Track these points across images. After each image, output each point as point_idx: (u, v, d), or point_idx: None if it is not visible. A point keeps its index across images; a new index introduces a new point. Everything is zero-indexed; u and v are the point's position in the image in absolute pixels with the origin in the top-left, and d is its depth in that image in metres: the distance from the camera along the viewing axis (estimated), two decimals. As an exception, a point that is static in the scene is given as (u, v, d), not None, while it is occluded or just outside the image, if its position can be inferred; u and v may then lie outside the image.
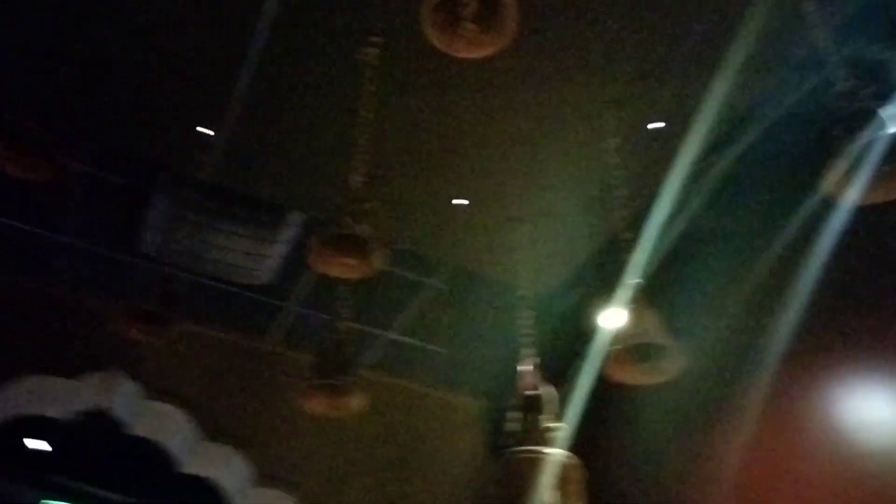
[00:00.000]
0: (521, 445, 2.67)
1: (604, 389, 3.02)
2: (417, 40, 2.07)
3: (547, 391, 2.77)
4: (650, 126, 3.13)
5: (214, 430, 4.03)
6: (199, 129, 3.51)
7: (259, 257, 4.11)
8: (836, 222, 2.62)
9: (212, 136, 3.52)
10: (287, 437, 4.09)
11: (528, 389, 2.85)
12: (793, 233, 2.93)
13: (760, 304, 3.11)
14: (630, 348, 2.45)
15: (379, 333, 4.79)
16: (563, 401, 3.01)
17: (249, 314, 4.76)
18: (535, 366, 2.91)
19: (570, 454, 2.66)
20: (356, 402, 2.66)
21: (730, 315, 3.23)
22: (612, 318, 2.77)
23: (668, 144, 3.04)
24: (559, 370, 3.16)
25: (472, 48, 1.95)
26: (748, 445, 3.08)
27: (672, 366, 2.39)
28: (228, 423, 4.08)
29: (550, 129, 3.35)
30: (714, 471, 3.22)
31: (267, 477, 3.99)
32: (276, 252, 4.23)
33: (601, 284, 3.08)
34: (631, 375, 2.47)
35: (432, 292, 4.59)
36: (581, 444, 2.83)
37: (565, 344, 3.59)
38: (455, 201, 3.72)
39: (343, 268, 2.31)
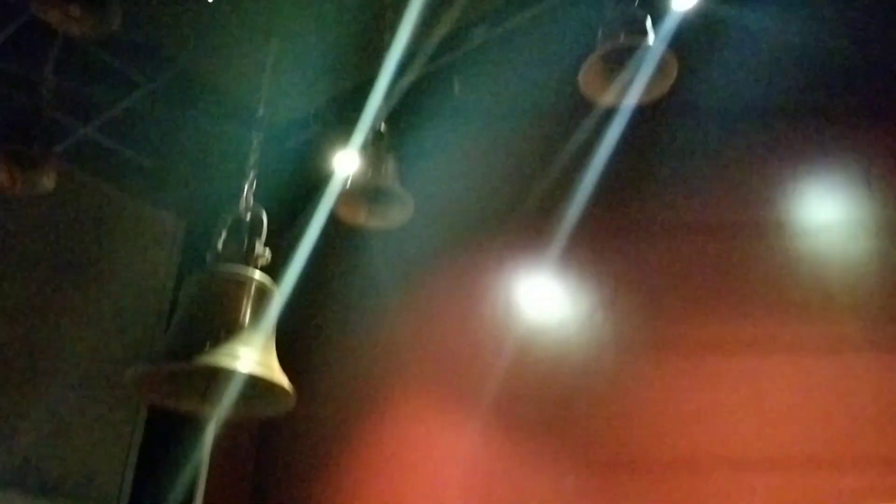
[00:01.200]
0: (225, 264, 2.59)
1: (331, 231, 3.03)
2: None
3: (259, 215, 2.71)
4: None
5: None
6: None
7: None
8: (591, 120, 2.88)
9: None
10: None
11: (244, 210, 2.77)
12: (544, 118, 3.15)
13: (490, 174, 3.33)
14: (361, 189, 2.46)
15: (74, 124, 4.24)
16: (282, 234, 2.98)
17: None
18: (254, 189, 2.82)
19: (270, 279, 2.63)
20: (47, 181, 2.31)
21: (463, 175, 3.43)
22: (348, 160, 2.76)
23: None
24: (281, 203, 3.10)
25: None
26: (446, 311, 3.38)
27: (401, 213, 2.46)
28: None
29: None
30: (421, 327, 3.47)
31: None
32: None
33: (341, 125, 3.03)
34: (360, 217, 2.48)
35: (149, 94, 4.15)
36: (302, 281, 2.85)
37: (293, 178, 3.53)
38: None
39: (65, 17, 1.93)
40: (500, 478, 2.97)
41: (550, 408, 2.95)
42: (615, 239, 3.06)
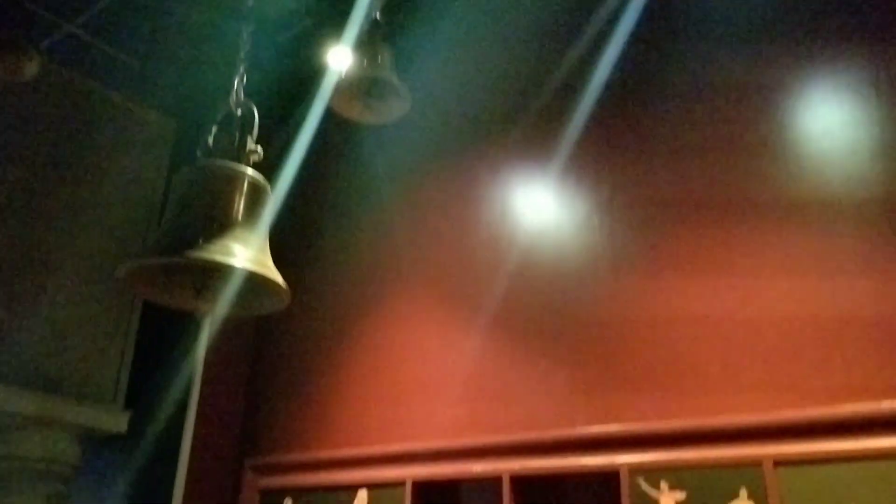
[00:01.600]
0: (217, 160, 2.53)
1: (325, 129, 2.95)
2: None
3: (250, 110, 2.64)
4: None
5: None
6: None
7: None
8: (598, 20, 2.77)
9: None
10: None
11: (234, 106, 2.70)
12: (549, 14, 3.02)
13: (489, 73, 3.22)
14: (357, 82, 2.38)
15: (59, 21, 4.08)
16: (275, 131, 2.91)
17: None
18: (244, 84, 2.73)
19: (263, 177, 2.58)
20: (30, 68, 2.22)
21: (462, 73, 3.32)
22: (342, 53, 2.66)
23: None
24: (273, 99, 3.03)
25: None
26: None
27: (397, 107, 2.39)
28: None
29: None
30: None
31: None
32: None
33: (335, 17, 2.91)
34: (355, 111, 2.41)
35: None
36: (295, 180, 2.80)
37: (285, 73, 3.43)
38: None
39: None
40: (493, 376, 3.01)
41: (545, 310, 2.96)
42: (614, 145, 3.01)
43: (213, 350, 3.70)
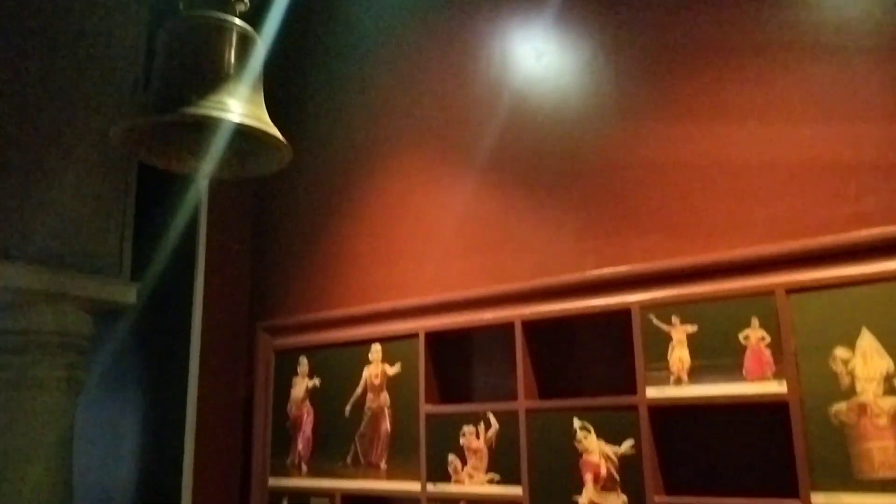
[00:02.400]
0: (202, 10, 2.39)
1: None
2: None
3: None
4: None
5: None
6: None
7: None
8: None
9: None
10: None
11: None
12: None
13: None
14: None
15: None
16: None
17: None
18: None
19: (250, 27, 2.46)
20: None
21: None
22: None
23: None
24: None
25: None
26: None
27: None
28: None
29: None
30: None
31: None
32: None
33: None
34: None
35: None
36: (283, 32, 2.66)
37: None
38: None
39: None
40: (500, 227, 2.99)
41: (549, 158, 2.91)
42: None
43: (214, 216, 3.67)
